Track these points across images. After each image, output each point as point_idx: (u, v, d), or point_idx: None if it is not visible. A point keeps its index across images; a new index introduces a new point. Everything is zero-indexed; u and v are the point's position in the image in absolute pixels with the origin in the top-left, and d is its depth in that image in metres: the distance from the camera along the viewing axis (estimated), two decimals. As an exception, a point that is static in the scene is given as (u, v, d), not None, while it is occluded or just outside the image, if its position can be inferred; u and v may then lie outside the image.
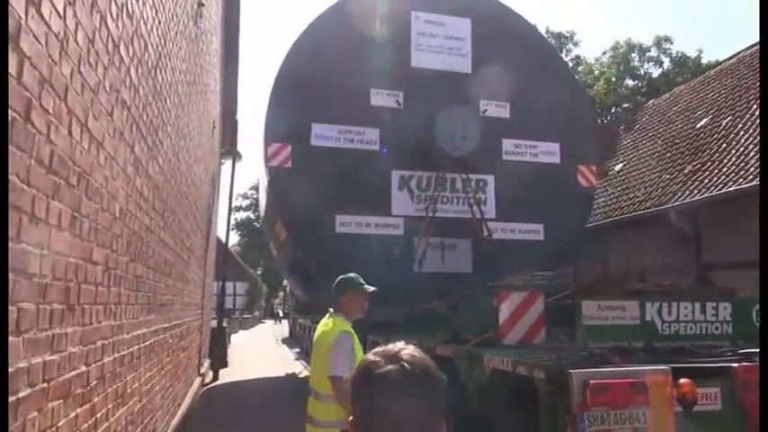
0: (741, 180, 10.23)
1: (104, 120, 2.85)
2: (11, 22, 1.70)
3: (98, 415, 3.02)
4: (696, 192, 11.19)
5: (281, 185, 8.90)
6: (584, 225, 10.76)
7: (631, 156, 16.12)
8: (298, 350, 19.66)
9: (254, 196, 45.48)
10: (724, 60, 16.59)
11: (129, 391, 3.79)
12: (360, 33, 9.22)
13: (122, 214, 3.37)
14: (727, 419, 3.51)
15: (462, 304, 6.27)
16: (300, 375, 13.63)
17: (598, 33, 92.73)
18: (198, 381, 10.02)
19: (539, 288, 5.54)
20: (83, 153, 2.53)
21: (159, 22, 4.17)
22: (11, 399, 1.84)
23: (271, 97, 9.09)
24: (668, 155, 13.91)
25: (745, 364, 3.67)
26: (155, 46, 4.02)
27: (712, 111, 13.97)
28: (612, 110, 25.96)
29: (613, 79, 25.83)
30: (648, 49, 26.36)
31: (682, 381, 3.38)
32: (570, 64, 26.87)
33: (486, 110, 9.70)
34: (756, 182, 9.60)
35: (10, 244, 1.78)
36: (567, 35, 27.36)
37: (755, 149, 10.64)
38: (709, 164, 11.74)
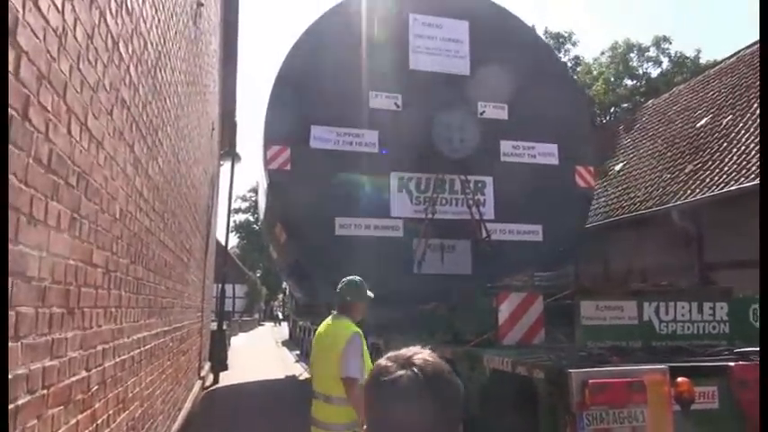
0: (743, 179, 10.19)
1: (104, 119, 2.79)
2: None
3: (99, 421, 2.95)
4: (698, 191, 11.15)
5: (281, 188, 8.90)
6: (583, 226, 10.81)
7: (631, 155, 16.08)
8: (297, 352, 19.61)
9: (253, 198, 45.47)
10: (723, 60, 16.56)
11: (130, 396, 3.73)
12: (358, 36, 9.24)
13: (122, 215, 3.30)
14: (725, 418, 3.56)
15: (462, 305, 6.30)
16: (301, 378, 13.57)
17: (597, 33, 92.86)
18: (198, 384, 9.95)
19: (538, 289, 5.61)
20: (82, 152, 2.46)
21: (159, 20, 4.11)
22: (9, 407, 1.77)
23: (270, 100, 9.10)
24: (669, 154, 13.87)
25: (741, 363, 3.73)
26: (154, 45, 3.96)
27: (713, 110, 13.93)
28: (612, 110, 25.93)
29: (612, 79, 25.82)
30: (647, 49, 26.36)
31: (679, 380, 3.43)
32: (569, 64, 26.88)
33: (484, 111, 9.74)
34: (758, 181, 9.56)
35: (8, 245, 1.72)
36: (566, 35, 27.36)
37: (757, 148, 10.60)
38: (710, 163, 11.70)
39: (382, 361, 1.26)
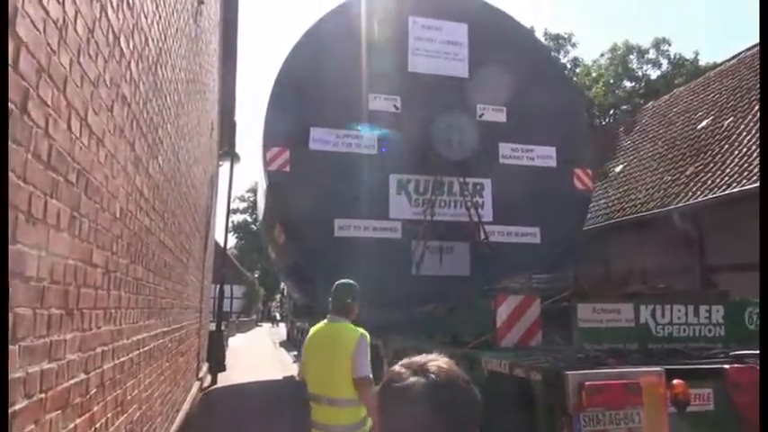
0: (745, 181, 10.15)
1: (104, 115, 2.72)
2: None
3: (97, 425, 2.89)
4: (699, 193, 11.10)
5: (280, 189, 8.90)
6: (581, 228, 10.85)
7: (632, 157, 16.04)
8: (295, 353, 19.53)
9: (251, 199, 45.39)
10: (724, 62, 16.54)
11: (128, 398, 3.66)
12: (358, 38, 9.26)
13: (122, 214, 3.23)
14: (720, 420, 3.60)
15: (460, 307, 6.30)
16: (298, 378, 13.48)
17: (596, 35, 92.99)
18: (196, 385, 9.88)
19: (535, 291, 5.65)
20: (82, 149, 2.40)
21: (160, 17, 4.05)
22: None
23: (269, 101, 9.11)
24: (670, 156, 13.83)
25: (736, 365, 3.77)
26: (155, 41, 3.90)
27: (713, 112, 13.90)
28: (611, 112, 25.91)
29: (612, 81, 25.78)
30: (647, 51, 26.33)
31: (675, 382, 3.48)
32: (568, 66, 26.85)
33: (482, 114, 9.76)
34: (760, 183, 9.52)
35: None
36: (566, 36, 27.29)
37: (758, 150, 10.56)
38: (711, 165, 11.66)
39: (396, 367, 1.22)
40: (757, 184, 9.64)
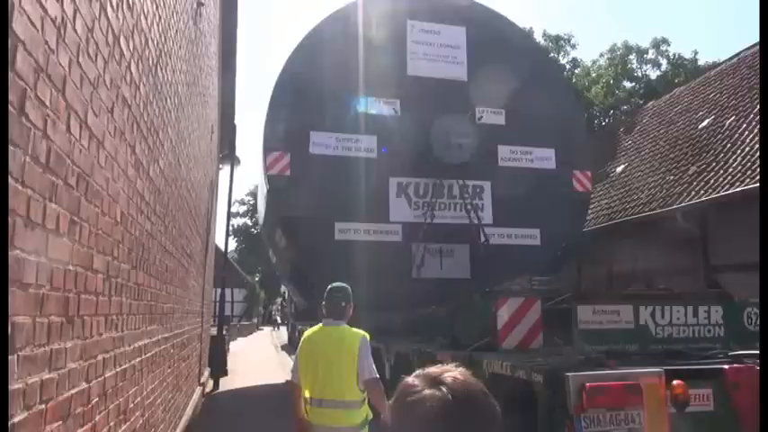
0: (748, 180, 10.08)
1: (105, 117, 2.66)
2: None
3: (99, 434, 2.82)
4: (702, 193, 11.03)
5: (281, 193, 8.95)
6: (581, 229, 10.89)
7: (633, 157, 15.98)
8: (297, 357, 19.40)
9: (251, 202, 45.36)
10: (724, 61, 16.49)
11: (131, 406, 3.59)
12: (356, 43, 9.30)
13: (123, 219, 3.17)
14: (720, 419, 3.64)
15: (461, 309, 6.32)
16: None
17: (595, 36, 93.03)
18: (199, 390, 9.80)
19: (535, 293, 5.67)
20: (82, 151, 2.33)
21: (160, 18, 3.99)
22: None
23: (269, 106, 9.16)
24: (671, 156, 13.76)
25: (735, 366, 3.81)
26: (155, 42, 3.84)
27: (714, 111, 13.85)
28: (611, 112, 25.85)
29: (611, 81, 25.72)
30: (646, 51, 26.28)
31: (675, 382, 3.53)
32: (567, 66, 26.80)
33: (481, 117, 9.81)
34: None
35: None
36: (565, 37, 27.23)
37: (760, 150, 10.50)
38: (714, 164, 11.59)
39: (409, 379, 1.15)
40: (761, 183, 9.58)
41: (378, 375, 3.71)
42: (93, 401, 2.69)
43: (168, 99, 4.58)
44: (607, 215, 13.92)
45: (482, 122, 9.75)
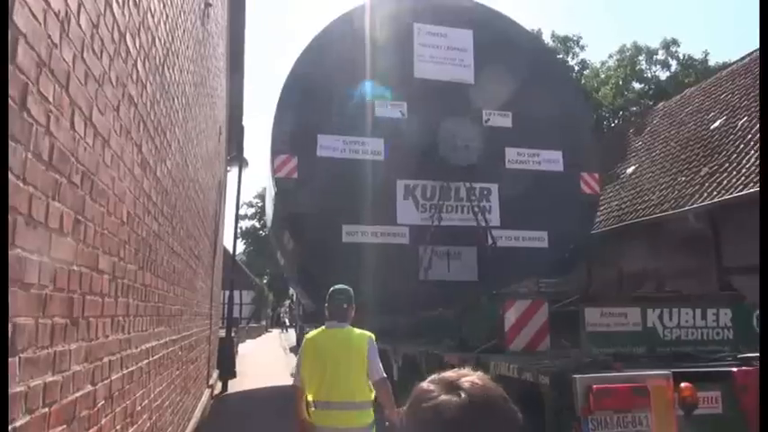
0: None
1: (110, 115, 2.62)
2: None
3: (105, 438, 2.77)
4: (715, 194, 10.90)
5: (288, 196, 8.98)
6: (589, 232, 10.84)
7: (643, 158, 15.85)
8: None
9: (259, 204, 45.42)
10: (735, 61, 16.33)
11: (138, 409, 3.54)
12: (363, 46, 9.32)
13: (130, 219, 3.13)
14: (728, 422, 3.62)
15: (468, 312, 6.31)
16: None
17: (604, 37, 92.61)
18: (207, 393, 9.77)
19: (543, 295, 5.67)
20: (87, 150, 2.28)
21: (167, 16, 3.95)
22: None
23: (277, 109, 9.19)
24: (683, 157, 13.63)
25: (744, 368, 3.80)
26: (162, 41, 3.80)
27: (726, 111, 13.70)
28: (620, 113, 25.68)
29: (620, 83, 25.55)
30: (656, 52, 26.09)
31: (683, 385, 3.51)
32: (576, 68, 26.66)
33: (488, 119, 9.80)
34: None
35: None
36: (574, 39, 27.07)
37: (760, 151, 10.36)
38: (726, 165, 11.46)
39: (424, 384, 1.09)
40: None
41: (386, 375, 3.77)
42: (99, 404, 2.64)
43: (176, 99, 4.54)
44: (617, 216, 13.79)
45: (489, 125, 9.76)
